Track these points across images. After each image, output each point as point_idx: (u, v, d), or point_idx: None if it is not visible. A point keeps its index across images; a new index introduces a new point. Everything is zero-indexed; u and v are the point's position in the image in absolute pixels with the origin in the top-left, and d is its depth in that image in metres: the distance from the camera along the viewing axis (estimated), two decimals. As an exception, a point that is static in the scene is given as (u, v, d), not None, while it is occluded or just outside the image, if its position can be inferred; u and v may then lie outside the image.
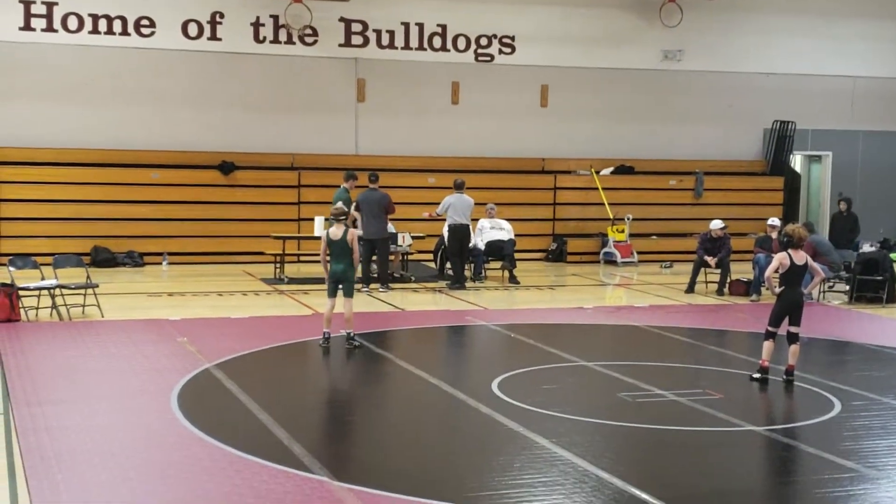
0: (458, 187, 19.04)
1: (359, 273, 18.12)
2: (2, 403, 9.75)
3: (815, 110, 26.76)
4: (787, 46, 26.50)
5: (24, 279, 14.95)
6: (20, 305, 14.19)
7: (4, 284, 14.13)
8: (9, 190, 21.27)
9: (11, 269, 15.07)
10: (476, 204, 21.34)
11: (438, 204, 19.05)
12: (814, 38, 26.71)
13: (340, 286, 12.70)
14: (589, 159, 25.19)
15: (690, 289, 18.64)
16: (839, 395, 10.71)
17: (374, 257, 18.37)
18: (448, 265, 20.21)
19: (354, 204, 18.02)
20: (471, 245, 19.93)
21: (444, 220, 19.01)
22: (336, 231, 12.59)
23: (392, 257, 19.38)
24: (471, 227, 19.15)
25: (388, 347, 13.49)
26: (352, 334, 12.78)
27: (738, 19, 26.07)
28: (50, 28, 21.77)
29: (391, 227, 19.09)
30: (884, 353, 13.52)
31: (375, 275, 18.38)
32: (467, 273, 19.70)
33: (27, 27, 21.67)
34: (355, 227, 18.04)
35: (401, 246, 19.57)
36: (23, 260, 15.62)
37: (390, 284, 18.43)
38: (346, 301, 12.73)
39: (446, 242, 19.16)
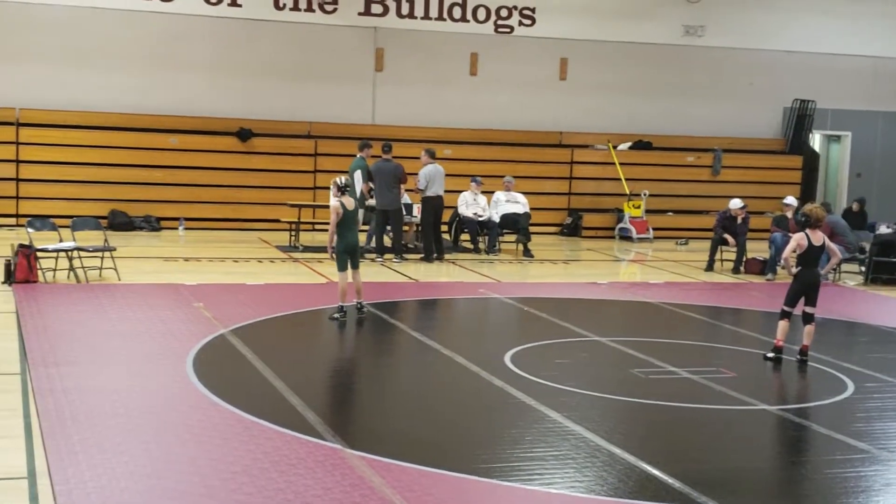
0: (433, 156, 18.94)
1: (373, 243, 18.27)
2: (19, 364, 9.82)
3: (836, 90, 26.63)
4: (808, 25, 26.35)
5: (42, 241, 15.04)
6: (38, 267, 14.25)
7: (23, 245, 14.20)
8: (29, 152, 21.34)
9: (30, 230, 15.20)
10: (492, 177, 21.44)
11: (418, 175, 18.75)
12: (836, 17, 26.56)
13: (350, 258, 12.68)
14: (607, 134, 25.13)
15: (710, 267, 18.60)
16: (852, 376, 10.72)
17: (388, 227, 18.38)
18: (462, 236, 20.36)
19: (367, 173, 18.00)
20: (486, 217, 19.96)
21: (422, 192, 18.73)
22: (349, 202, 12.58)
23: (406, 228, 19.40)
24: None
25: (402, 318, 13.52)
26: (362, 304, 12.81)
27: (761, -4, 25.95)
28: (72, -10, 21.81)
29: (406, 198, 19.10)
30: (898, 335, 13.51)
31: (389, 245, 18.40)
32: (480, 245, 19.78)
33: (49, -11, 21.71)
34: (370, 196, 18.09)
35: (415, 217, 19.56)
36: (41, 221, 15.73)
37: (404, 255, 18.46)
38: (357, 273, 12.75)
39: (420, 214, 18.92)
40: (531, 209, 20.48)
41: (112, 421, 8.13)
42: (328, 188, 19.93)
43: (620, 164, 24.44)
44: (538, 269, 18.49)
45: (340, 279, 12.61)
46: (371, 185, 18.00)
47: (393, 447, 7.84)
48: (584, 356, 11.47)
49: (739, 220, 18.67)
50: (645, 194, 23.87)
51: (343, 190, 12.52)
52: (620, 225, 23.80)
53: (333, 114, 23.50)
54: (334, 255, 12.61)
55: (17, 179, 21.30)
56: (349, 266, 12.64)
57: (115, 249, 15.22)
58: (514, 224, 19.94)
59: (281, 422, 8.22)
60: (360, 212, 12.80)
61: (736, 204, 18.87)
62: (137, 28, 22.23)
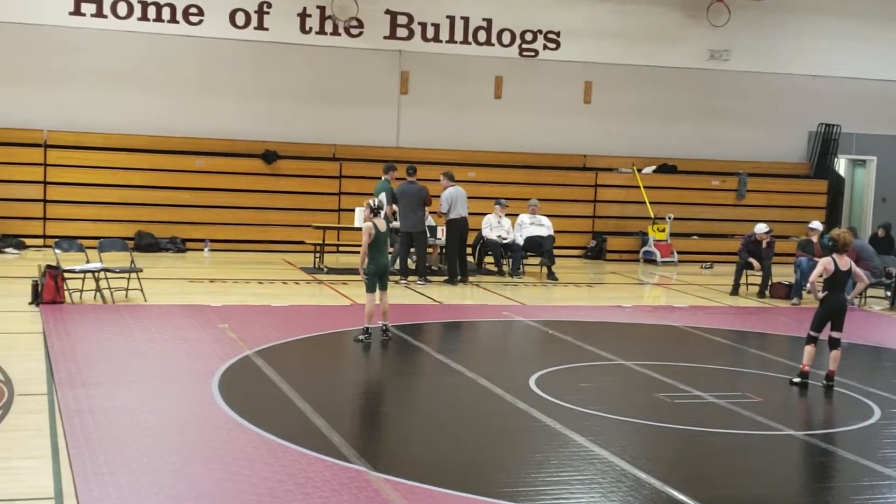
0: (452, 178, 18.96)
1: (396, 265, 18.30)
2: (46, 385, 9.87)
3: (861, 114, 26.54)
4: (833, 49, 26.29)
5: (69, 262, 15.13)
6: (65, 288, 14.34)
7: (50, 266, 14.29)
8: (56, 173, 21.53)
9: (57, 251, 15.29)
10: (516, 199, 21.48)
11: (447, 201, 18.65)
12: (861, 41, 26.49)
13: (380, 280, 12.70)
14: (631, 157, 25.13)
15: (735, 291, 18.54)
16: (879, 401, 10.64)
17: (412, 250, 18.42)
18: (486, 259, 20.39)
19: (392, 196, 18.07)
20: (510, 240, 19.98)
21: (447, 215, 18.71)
22: (381, 223, 12.63)
23: (430, 250, 19.43)
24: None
25: (426, 340, 13.53)
26: (387, 326, 12.83)
27: (786, 21, 25.90)
28: (100, 14, 22.01)
29: (429, 220, 19.14)
30: (925, 360, 13.41)
31: (413, 267, 18.43)
32: (504, 268, 19.82)
33: (77, 12, 21.91)
34: (395, 219, 18.16)
35: (439, 239, 19.59)
36: (68, 243, 15.83)
37: (428, 277, 18.48)
38: (385, 294, 12.77)
39: (445, 237, 18.95)
40: (555, 232, 20.48)
41: (138, 442, 8.16)
42: (353, 210, 20.13)
43: (645, 187, 24.43)
44: (562, 292, 18.47)
45: (368, 301, 12.61)
46: (395, 207, 18.10)
47: (418, 470, 7.85)
48: (608, 380, 11.44)
49: (764, 245, 18.61)
50: (669, 218, 23.84)
51: (376, 212, 12.59)
52: (645, 248, 23.76)
53: (358, 136, 23.61)
54: (366, 277, 12.64)
55: (45, 201, 21.48)
56: (377, 288, 12.67)
57: (141, 270, 15.31)
58: (539, 247, 19.93)
59: (306, 444, 8.22)
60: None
61: (761, 228, 18.80)
62: (165, 51, 22.43)
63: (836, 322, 11.08)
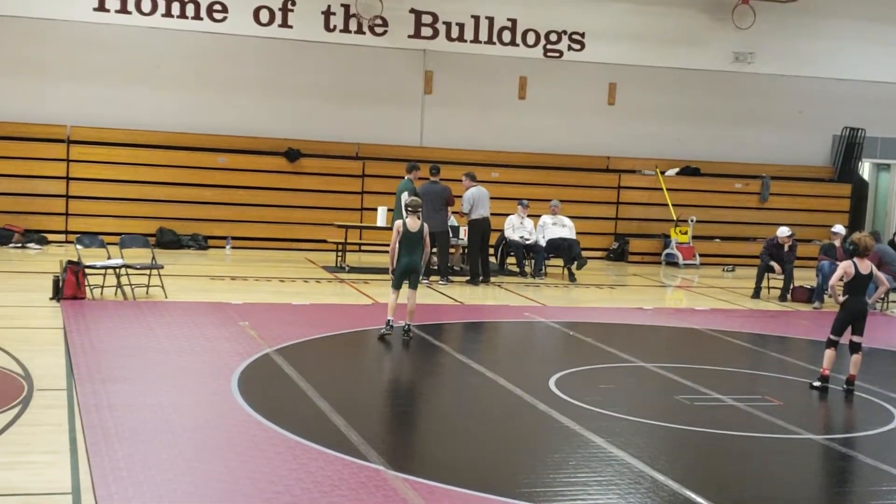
0: (473, 178, 18.97)
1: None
2: (65, 380, 9.91)
3: (886, 118, 26.42)
4: (859, 53, 26.15)
5: (90, 257, 15.20)
6: (86, 283, 14.39)
7: (72, 262, 14.35)
8: (79, 169, 21.64)
9: (79, 247, 15.36)
10: (539, 200, 21.44)
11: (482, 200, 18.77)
12: (886, 45, 26.37)
13: (407, 278, 12.74)
14: (654, 159, 25.07)
15: (756, 294, 18.47)
16: (901, 407, 10.60)
17: (434, 250, 18.40)
18: (508, 260, 20.37)
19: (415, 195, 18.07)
20: (532, 241, 19.95)
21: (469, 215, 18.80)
22: (413, 223, 12.65)
23: (452, 251, 19.42)
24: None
25: (447, 340, 13.52)
26: (409, 326, 12.84)
27: (811, 24, 25.77)
28: (124, 10, 22.11)
29: (452, 220, 19.13)
30: (948, 366, 13.31)
31: (435, 267, 18.43)
32: (526, 269, 19.79)
33: (101, 8, 22.03)
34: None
35: (461, 239, 19.58)
36: (90, 238, 15.90)
37: (450, 277, 18.47)
38: (412, 293, 12.78)
39: (468, 237, 19.00)
40: (578, 233, 20.42)
41: (156, 438, 8.18)
42: (375, 209, 20.15)
43: (668, 189, 24.36)
44: (583, 294, 18.42)
45: (391, 295, 12.71)
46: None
47: (436, 469, 7.84)
48: (628, 382, 11.41)
49: (786, 248, 18.53)
50: (692, 220, 23.76)
51: (413, 211, 12.65)
52: (667, 251, 23.70)
53: (382, 135, 23.64)
54: (392, 277, 12.73)
55: (67, 196, 21.59)
56: (406, 287, 12.73)
57: (162, 267, 15.36)
58: (563, 248, 19.77)
59: (324, 442, 8.23)
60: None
61: (783, 232, 18.72)
62: (189, 47, 22.52)
63: (856, 326, 11.01)
